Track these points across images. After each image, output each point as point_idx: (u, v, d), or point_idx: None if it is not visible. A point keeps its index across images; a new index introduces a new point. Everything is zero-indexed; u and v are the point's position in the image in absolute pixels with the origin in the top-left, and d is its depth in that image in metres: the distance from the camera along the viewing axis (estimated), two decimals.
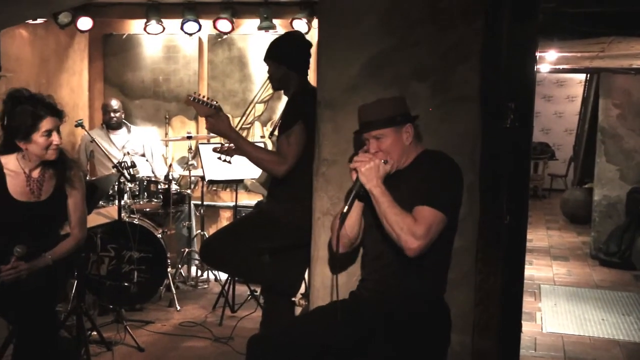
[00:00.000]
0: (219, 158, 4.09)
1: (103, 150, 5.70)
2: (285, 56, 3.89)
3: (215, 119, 3.76)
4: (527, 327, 5.27)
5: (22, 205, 3.41)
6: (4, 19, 4.71)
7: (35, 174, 3.46)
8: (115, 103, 6.63)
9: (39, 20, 6.33)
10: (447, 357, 2.89)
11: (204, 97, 3.85)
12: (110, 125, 6.59)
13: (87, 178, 6.19)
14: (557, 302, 6.16)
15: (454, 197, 2.78)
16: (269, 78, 4.04)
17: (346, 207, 2.73)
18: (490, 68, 3.00)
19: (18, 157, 3.43)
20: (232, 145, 3.98)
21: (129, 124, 6.72)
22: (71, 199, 3.56)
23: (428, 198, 2.66)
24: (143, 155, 6.59)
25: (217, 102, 3.84)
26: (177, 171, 6.45)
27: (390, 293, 2.80)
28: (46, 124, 3.33)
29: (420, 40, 3.06)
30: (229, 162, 4.18)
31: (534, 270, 7.39)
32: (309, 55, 3.97)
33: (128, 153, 6.12)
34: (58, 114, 3.41)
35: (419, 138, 2.88)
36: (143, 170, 6.20)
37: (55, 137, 3.37)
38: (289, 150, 3.67)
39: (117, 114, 6.59)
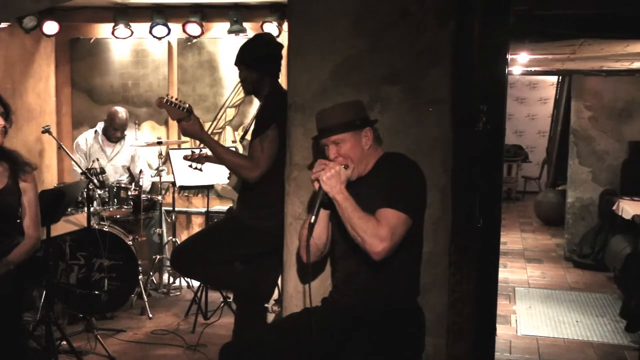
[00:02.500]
0: (190, 166, 4.08)
1: (71, 156, 5.65)
2: (256, 60, 3.88)
3: (187, 122, 3.74)
4: (501, 330, 5.32)
5: None
6: None
7: None
8: (123, 117, 6.33)
9: (3, 25, 6.26)
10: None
11: (176, 99, 3.83)
12: (109, 138, 6.39)
13: (57, 184, 6.17)
14: (531, 304, 6.22)
15: (416, 198, 2.79)
16: (240, 82, 4.02)
17: (313, 218, 2.72)
18: (461, 71, 3.03)
19: None
20: (202, 152, 3.97)
21: (125, 134, 6.49)
22: (25, 195, 3.62)
23: (389, 200, 2.67)
24: (128, 168, 6.42)
25: (188, 105, 3.82)
26: (147, 179, 6.38)
27: (362, 299, 2.81)
28: None
29: (392, 43, 3.08)
30: (200, 169, 4.17)
31: (508, 272, 7.46)
32: (281, 58, 3.97)
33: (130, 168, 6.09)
34: (2, 102, 3.53)
35: (378, 142, 2.88)
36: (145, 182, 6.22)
37: None
38: (262, 155, 3.67)
39: (123, 131, 6.34)
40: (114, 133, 6.34)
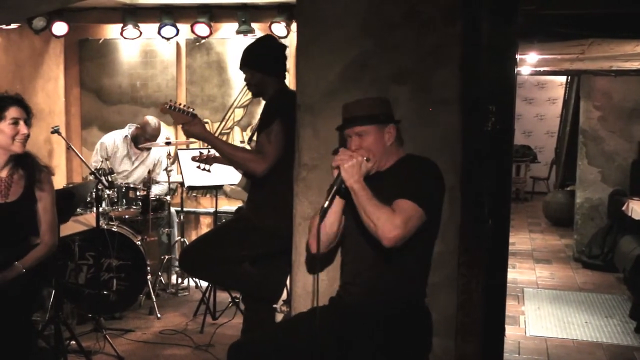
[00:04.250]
0: (199, 167, 4.09)
1: (80, 157, 5.66)
2: (260, 62, 3.89)
3: (189, 124, 3.75)
4: (510, 331, 5.31)
5: None
6: None
7: (4, 174, 3.46)
8: (155, 127, 6.34)
9: (13, 26, 6.30)
10: None
11: (180, 104, 3.86)
12: (136, 145, 6.36)
13: (66, 184, 6.19)
14: (540, 305, 6.20)
15: (434, 196, 2.79)
16: (246, 85, 4.04)
17: (326, 203, 2.74)
18: (470, 71, 3.03)
19: None
20: (210, 153, 3.97)
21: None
22: (41, 203, 3.54)
23: (408, 192, 2.68)
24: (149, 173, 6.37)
25: (193, 109, 3.85)
26: (162, 187, 6.38)
27: (370, 298, 2.81)
28: (13, 112, 3.37)
29: (400, 43, 3.08)
30: (209, 170, 4.18)
31: (517, 273, 7.44)
32: (285, 58, 3.99)
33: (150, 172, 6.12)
34: (26, 107, 3.45)
35: (400, 142, 2.89)
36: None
37: (22, 127, 3.38)
38: (269, 147, 3.67)
39: (151, 142, 6.26)
40: (144, 142, 6.28)
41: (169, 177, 6.13)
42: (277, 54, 3.96)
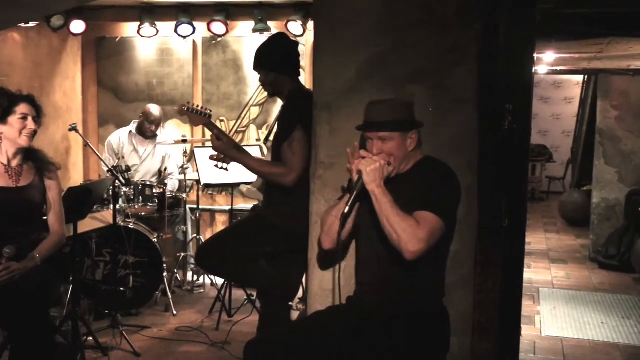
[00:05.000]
0: (216, 166, 4.11)
1: (97, 154, 5.70)
2: (273, 61, 3.89)
3: (222, 144, 3.81)
4: (526, 331, 5.29)
5: (1, 190, 3.54)
6: None
7: (14, 163, 3.63)
8: (157, 113, 6.38)
9: (32, 24, 6.34)
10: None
11: (197, 106, 3.93)
12: (144, 135, 6.43)
13: (83, 182, 6.23)
14: (556, 305, 6.18)
15: (453, 206, 2.80)
16: (261, 85, 4.05)
17: (347, 208, 2.74)
18: (487, 70, 3.02)
19: None
20: (219, 142, 3.97)
21: (158, 134, 6.55)
22: (50, 192, 3.72)
23: (431, 204, 2.66)
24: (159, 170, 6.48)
25: (210, 111, 3.91)
26: (174, 182, 6.42)
27: (387, 297, 2.81)
28: (23, 108, 3.55)
29: (417, 42, 3.08)
30: (226, 169, 4.19)
31: (532, 273, 7.41)
32: (297, 55, 3.98)
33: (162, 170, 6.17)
34: (37, 106, 3.63)
35: (419, 144, 2.87)
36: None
37: (30, 123, 3.56)
38: (294, 158, 3.67)
39: (158, 127, 6.41)
40: (149, 128, 6.37)
41: (185, 174, 6.15)
42: (289, 52, 3.95)
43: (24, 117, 3.54)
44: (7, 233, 3.52)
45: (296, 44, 4.04)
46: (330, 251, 2.97)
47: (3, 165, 3.59)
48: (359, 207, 2.83)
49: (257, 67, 3.95)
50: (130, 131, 6.47)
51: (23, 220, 3.61)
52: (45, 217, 3.78)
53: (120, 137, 6.46)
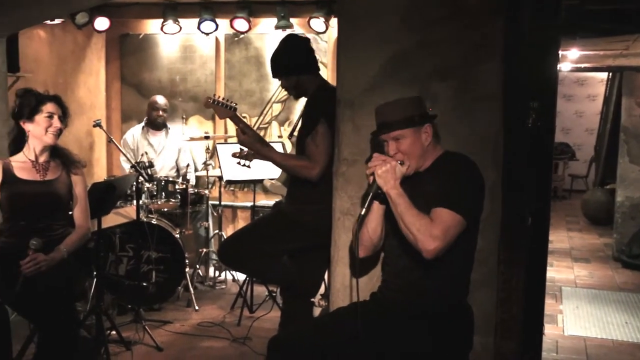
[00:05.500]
0: (239, 163, 4.13)
1: (121, 150, 5.75)
2: (288, 66, 3.90)
3: (247, 138, 3.84)
4: (548, 330, 5.26)
5: (28, 183, 3.63)
6: (23, 20, 4.76)
7: (41, 159, 3.72)
8: (162, 101, 6.54)
9: (57, 21, 6.39)
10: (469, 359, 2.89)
11: (222, 99, 3.96)
12: (154, 125, 6.54)
13: (107, 177, 6.28)
14: (578, 304, 6.13)
15: (473, 201, 2.76)
16: (285, 90, 4.07)
17: (363, 210, 2.74)
18: (512, 67, 3.00)
19: (24, 150, 3.70)
20: (244, 136, 3.99)
21: (168, 126, 6.67)
22: (76, 187, 3.81)
23: (446, 200, 2.64)
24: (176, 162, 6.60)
25: (235, 104, 3.94)
26: (192, 173, 6.46)
27: (412, 295, 2.80)
28: (49, 107, 3.65)
29: (441, 39, 3.07)
30: (249, 166, 4.21)
31: (555, 272, 7.35)
32: (311, 52, 3.97)
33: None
34: (63, 106, 3.72)
35: (437, 139, 2.85)
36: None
37: (56, 121, 3.65)
38: (317, 151, 3.68)
39: (165, 114, 6.55)
40: (156, 116, 6.49)
41: (207, 171, 6.18)
42: (302, 52, 3.94)
43: (50, 116, 3.62)
44: (33, 226, 3.58)
45: (307, 40, 4.03)
46: (365, 259, 2.97)
47: (30, 161, 3.67)
48: (385, 209, 2.82)
49: (275, 74, 3.97)
50: (143, 126, 6.59)
51: (49, 213, 3.68)
52: (70, 212, 3.83)
53: (134, 134, 6.58)
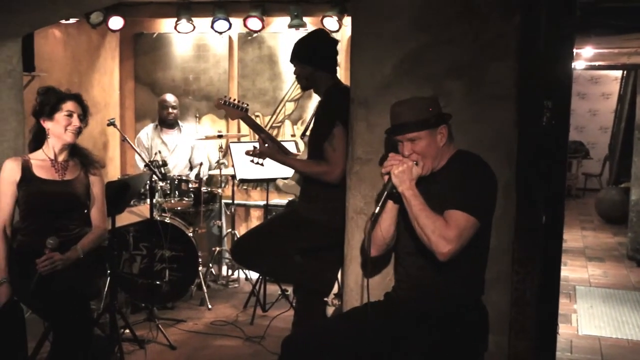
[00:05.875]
0: (252, 161, 4.14)
1: (135, 149, 5.76)
2: (309, 55, 3.89)
3: (268, 149, 3.91)
4: (562, 329, 5.23)
5: (47, 182, 3.60)
6: (38, 20, 4.78)
7: (61, 158, 3.70)
8: (172, 99, 6.59)
9: (72, 20, 6.43)
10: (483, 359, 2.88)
11: (234, 100, 4.02)
12: (166, 123, 6.59)
13: (120, 176, 6.31)
14: (593, 304, 6.09)
15: (487, 202, 2.75)
16: (296, 78, 4.05)
17: (377, 209, 2.72)
18: (526, 65, 2.98)
19: (44, 148, 3.68)
20: (266, 146, 4.01)
21: (180, 124, 6.72)
22: (94, 187, 3.79)
23: (460, 202, 2.63)
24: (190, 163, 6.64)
25: (247, 105, 3.98)
26: (204, 171, 6.49)
27: (426, 295, 2.79)
28: (69, 105, 3.62)
29: (455, 37, 3.05)
30: (262, 164, 4.22)
31: (569, 271, 7.31)
32: (335, 53, 3.96)
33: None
34: (83, 104, 3.71)
35: (451, 138, 2.83)
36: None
37: (75, 120, 3.63)
38: (335, 154, 3.67)
39: (175, 111, 6.59)
40: (167, 114, 6.53)
41: (220, 169, 6.19)
42: (327, 49, 3.94)
43: (70, 114, 3.60)
44: (51, 225, 3.58)
45: (336, 41, 4.03)
46: (376, 258, 2.97)
47: (50, 160, 3.66)
48: (399, 208, 2.80)
49: (293, 59, 3.95)
50: (156, 125, 6.64)
51: (67, 212, 3.67)
52: (87, 212, 3.82)
53: (148, 133, 6.63)
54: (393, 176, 2.67)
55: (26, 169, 3.59)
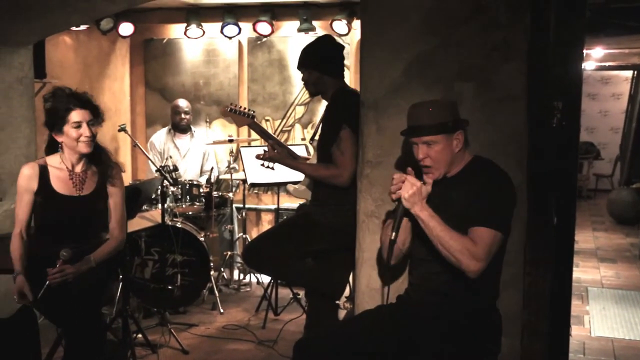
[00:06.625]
0: (262, 165, 4.14)
1: (146, 154, 5.78)
2: (317, 61, 3.91)
3: (277, 154, 3.92)
4: (575, 331, 5.20)
5: (65, 198, 3.50)
6: (49, 26, 4.80)
7: (78, 169, 3.58)
8: (184, 104, 6.63)
9: (82, 27, 6.45)
10: None
11: (240, 107, 4.03)
12: (179, 128, 6.63)
13: (132, 181, 6.33)
14: (605, 305, 6.05)
15: (509, 214, 2.74)
16: (304, 84, 4.07)
17: (393, 235, 2.69)
18: (536, 66, 2.98)
19: (61, 154, 3.55)
20: (275, 152, 4.03)
21: (193, 129, 6.74)
22: (112, 198, 3.65)
23: (485, 218, 2.62)
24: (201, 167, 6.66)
25: (253, 111, 4.00)
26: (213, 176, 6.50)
27: (440, 299, 2.78)
28: (75, 115, 3.42)
29: (465, 39, 3.04)
30: (272, 168, 4.23)
31: (581, 272, 7.27)
32: (342, 58, 3.98)
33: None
34: (91, 107, 3.50)
35: (466, 144, 2.82)
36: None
37: (84, 129, 3.44)
38: (344, 158, 3.68)
39: (187, 116, 6.62)
40: (178, 118, 6.57)
41: (231, 174, 6.20)
42: (334, 54, 3.96)
43: (78, 125, 3.43)
44: (66, 236, 3.48)
45: (342, 46, 4.05)
46: (393, 266, 2.96)
47: (68, 171, 3.54)
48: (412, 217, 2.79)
49: (301, 66, 3.98)
50: (169, 129, 6.67)
51: (85, 226, 3.59)
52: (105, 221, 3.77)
53: (161, 137, 6.66)
54: (404, 200, 2.65)
55: (43, 178, 3.48)
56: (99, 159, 3.62)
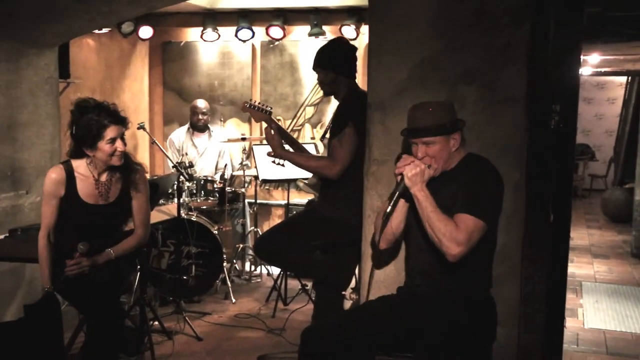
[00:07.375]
0: (273, 162, 4.15)
1: (163, 151, 5.79)
2: (332, 62, 3.91)
3: (273, 137, 3.90)
4: (569, 323, 5.18)
5: (91, 207, 3.45)
6: (73, 30, 4.82)
7: (104, 177, 3.49)
8: (203, 105, 6.62)
9: (104, 30, 6.46)
10: (493, 351, 2.86)
11: (258, 103, 4.04)
12: (197, 128, 6.63)
13: (149, 177, 6.34)
14: (598, 298, 6.04)
15: (494, 206, 2.75)
16: (319, 85, 4.06)
17: (389, 208, 2.72)
18: (535, 71, 2.97)
19: (87, 161, 3.46)
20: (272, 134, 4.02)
21: (211, 129, 6.73)
22: (136, 201, 3.58)
23: (470, 206, 2.63)
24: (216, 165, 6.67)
25: (270, 107, 4.02)
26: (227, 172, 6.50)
27: (436, 289, 2.79)
28: (110, 132, 3.33)
29: (468, 44, 3.04)
30: (283, 165, 4.24)
31: (575, 267, 7.25)
32: (355, 59, 4.00)
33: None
34: (122, 121, 3.41)
35: (463, 142, 2.82)
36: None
37: (119, 144, 3.37)
38: (340, 150, 3.69)
39: (205, 117, 6.61)
40: (196, 118, 6.57)
41: (244, 170, 6.21)
42: (348, 55, 3.97)
43: (112, 141, 3.34)
44: (91, 237, 3.38)
45: (355, 48, 4.07)
46: (393, 253, 2.96)
47: (94, 180, 3.46)
48: (410, 205, 2.80)
49: (317, 66, 3.97)
50: (188, 128, 6.67)
51: (107, 229, 3.56)
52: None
53: (180, 135, 6.65)
54: (406, 178, 2.66)
55: (70, 185, 3.40)
56: (123, 165, 3.51)
